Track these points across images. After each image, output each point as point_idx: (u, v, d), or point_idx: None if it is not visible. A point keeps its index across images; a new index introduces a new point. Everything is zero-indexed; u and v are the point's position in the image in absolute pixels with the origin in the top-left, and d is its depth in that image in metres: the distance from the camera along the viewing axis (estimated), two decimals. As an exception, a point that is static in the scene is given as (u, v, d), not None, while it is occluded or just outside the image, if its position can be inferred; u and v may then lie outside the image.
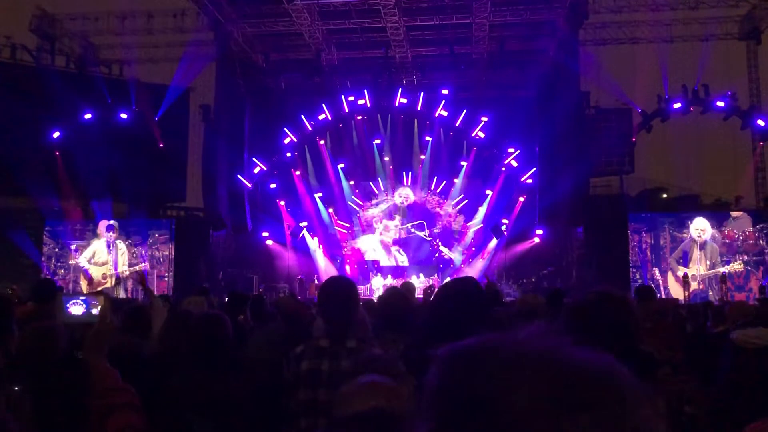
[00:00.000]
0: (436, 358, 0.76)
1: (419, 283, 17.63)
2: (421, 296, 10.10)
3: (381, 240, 21.55)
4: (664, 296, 16.51)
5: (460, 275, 12.38)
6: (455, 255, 21.11)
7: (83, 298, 2.20)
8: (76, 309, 2.16)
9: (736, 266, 17.66)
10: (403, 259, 21.31)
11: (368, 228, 21.73)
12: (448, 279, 18.67)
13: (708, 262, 17.82)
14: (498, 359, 0.71)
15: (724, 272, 17.43)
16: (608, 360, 0.71)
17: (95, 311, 2.14)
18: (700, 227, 18.00)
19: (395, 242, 21.47)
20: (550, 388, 0.66)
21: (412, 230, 21.40)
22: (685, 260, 17.94)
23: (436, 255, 21.14)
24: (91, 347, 2.03)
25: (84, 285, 19.03)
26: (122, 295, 18.08)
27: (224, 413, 2.53)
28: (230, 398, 2.55)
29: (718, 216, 18.45)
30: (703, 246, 17.92)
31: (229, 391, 2.62)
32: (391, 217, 21.63)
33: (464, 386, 0.70)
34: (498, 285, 13.99)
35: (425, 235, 21.32)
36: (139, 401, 1.99)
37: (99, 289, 17.73)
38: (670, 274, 17.87)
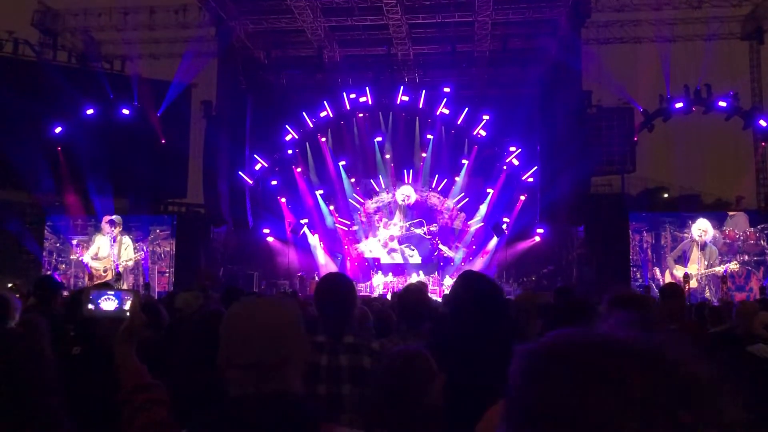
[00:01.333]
0: (526, 353, 0.75)
1: (418, 281, 17.63)
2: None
3: (382, 238, 21.55)
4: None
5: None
6: (453, 252, 21.11)
7: (114, 292, 2.20)
8: (108, 304, 2.17)
9: (732, 266, 17.67)
10: (413, 256, 21.23)
11: (369, 225, 21.74)
12: (453, 276, 18.69)
13: (706, 263, 17.83)
14: (608, 354, 0.71)
15: (725, 272, 17.44)
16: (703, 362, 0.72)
17: (127, 307, 2.15)
18: (702, 228, 18.00)
19: (401, 240, 21.45)
20: (664, 387, 0.68)
21: (411, 228, 21.40)
22: (684, 260, 17.94)
23: (435, 253, 21.15)
24: (121, 343, 2.05)
25: (86, 280, 19.06)
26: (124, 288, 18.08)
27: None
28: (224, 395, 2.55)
29: (717, 216, 18.45)
30: (703, 247, 17.92)
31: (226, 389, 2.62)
32: (391, 215, 21.63)
33: (571, 383, 0.70)
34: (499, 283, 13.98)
35: (423, 233, 21.32)
36: (169, 398, 2.02)
37: (98, 282, 17.77)
38: (667, 273, 17.88)
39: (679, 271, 17.64)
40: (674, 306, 4.89)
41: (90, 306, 2.16)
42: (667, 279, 17.77)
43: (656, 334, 0.75)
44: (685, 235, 18.15)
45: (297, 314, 1.70)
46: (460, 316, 2.99)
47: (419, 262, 21.02)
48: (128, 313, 2.08)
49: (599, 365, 0.70)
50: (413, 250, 21.37)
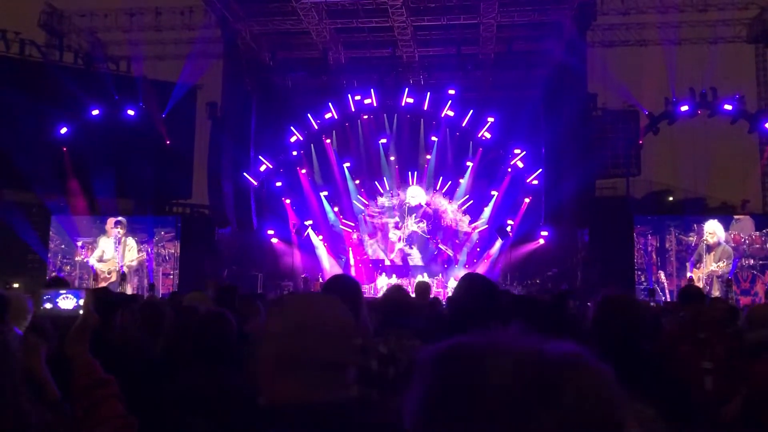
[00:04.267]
0: (425, 356, 0.81)
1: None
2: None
3: (388, 239, 21.55)
4: (668, 299, 16.47)
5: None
6: (451, 252, 21.07)
7: (71, 291, 2.21)
8: (67, 303, 2.18)
9: (722, 265, 17.65)
10: (415, 258, 21.22)
11: (373, 227, 21.73)
12: (458, 278, 18.67)
13: (722, 264, 17.75)
14: (478, 352, 0.76)
15: (730, 275, 17.37)
16: (584, 355, 0.76)
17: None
18: (709, 230, 17.95)
19: (406, 241, 21.44)
20: (525, 379, 0.72)
21: (414, 227, 21.37)
22: (697, 262, 17.92)
23: (435, 252, 21.13)
24: (75, 340, 2.05)
25: (91, 282, 19.08)
26: (128, 290, 18.13)
27: (227, 412, 2.53)
28: (233, 396, 2.55)
29: (723, 219, 18.39)
30: (711, 249, 17.87)
31: (231, 389, 2.62)
32: (402, 217, 21.62)
33: (444, 376, 0.76)
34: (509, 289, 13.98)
35: (423, 231, 21.29)
36: (120, 391, 2.02)
37: (103, 284, 17.79)
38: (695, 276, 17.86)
39: (695, 275, 17.62)
40: (699, 312, 4.26)
41: (47, 305, 2.17)
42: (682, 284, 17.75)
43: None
44: (691, 239, 18.10)
45: (350, 314, 1.59)
46: (458, 317, 2.99)
47: (420, 263, 20.99)
48: (82, 311, 2.09)
49: (459, 370, 0.75)
50: (412, 248, 21.36)
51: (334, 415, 1.37)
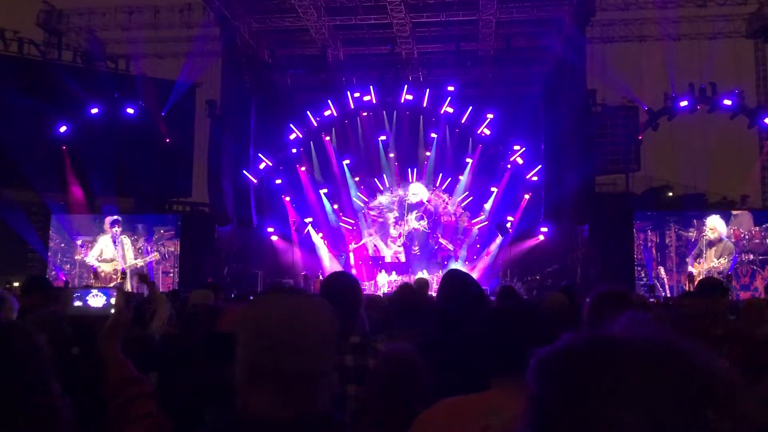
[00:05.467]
0: (542, 361, 0.74)
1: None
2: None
3: (388, 236, 21.55)
4: (668, 295, 16.49)
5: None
6: (452, 247, 21.07)
7: (101, 289, 2.22)
8: (96, 301, 2.18)
9: (722, 260, 17.65)
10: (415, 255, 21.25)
11: (373, 224, 21.74)
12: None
13: (723, 259, 17.76)
14: (619, 351, 0.71)
15: (730, 271, 17.38)
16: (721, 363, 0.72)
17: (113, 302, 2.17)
18: (711, 226, 17.95)
19: (409, 236, 21.44)
20: (689, 388, 0.67)
21: (415, 224, 21.37)
22: (698, 257, 17.93)
23: (436, 247, 21.14)
24: (106, 339, 2.06)
25: (92, 280, 19.09)
26: (128, 290, 18.14)
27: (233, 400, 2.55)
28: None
29: (721, 215, 18.40)
30: (713, 244, 17.87)
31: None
32: (402, 213, 21.62)
33: (584, 377, 0.69)
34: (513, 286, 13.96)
35: (424, 227, 21.30)
36: (154, 390, 2.03)
37: (110, 285, 17.81)
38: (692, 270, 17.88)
39: (695, 270, 17.61)
40: (718, 306, 3.94)
41: (77, 303, 2.18)
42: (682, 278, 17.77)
43: (664, 331, 0.74)
44: (690, 234, 18.11)
45: (336, 319, 1.46)
46: (442, 314, 2.99)
47: (420, 260, 20.98)
48: (114, 310, 2.10)
49: (622, 369, 0.69)
50: (412, 245, 21.36)
51: (321, 427, 1.31)
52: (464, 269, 19.01)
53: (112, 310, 2.12)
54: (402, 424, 2.13)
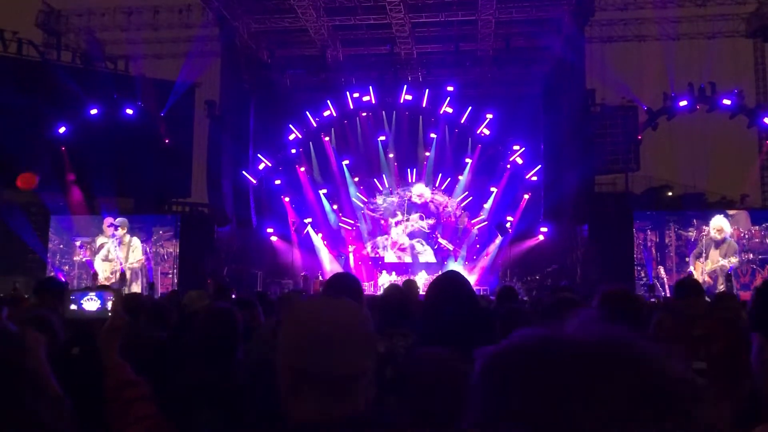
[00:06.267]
0: (485, 357, 0.71)
1: (423, 279, 17.68)
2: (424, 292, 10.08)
3: (389, 236, 21.56)
4: (668, 295, 16.48)
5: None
6: (452, 246, 21.07)
7: (96, 293, 2.21)
8: (91, 305, 2.18)
9: (733, 259, 17.64)
10: (424, 253, 21.20)
11: (373, 224, 21.73)
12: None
13: (726, 259, 17.74)
14: (569, 354, 0.67)
15: (729, 271, 17.38)
16: (680, 363, 0.68)
17: (109, 306, 2.16)
18: (717, 226, 17.93)
19: (411, 236, 21.43)
20: (637, 390, 0.63)
21: (417, 224, 21.38)
22: (700, 256, 17.91)
23: (435, 247, 21.14)
24: (104, 342, 2.05)
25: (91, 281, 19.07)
26: (127, 290, 18.12)
27: (232, 404, 2.54)
28: (239, 389, 2.57)
29: (723, 214, 18.40)
30: (717, 244, 17.87)
31: (237, 382, 2.64)
32: (395, 214, 21.62)
33: (531, 384, 0.66)
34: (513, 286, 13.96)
35: (424, 227, 21.30)
36: (152, 393, 2.03)
37: (102, 284, 17.78)
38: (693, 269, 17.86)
39: (696, 270, 17.60)
40: (696, 306, 3.87)
41: (73, 306, 2.18)
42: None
43: (626, 330, 0.70)
44: (690, 234, 18.11)
45: (369, 320, 1.48)
46: (429, 316, 2.98)
47: (433, 259, 20.93)
48: (110, 313, 2.10)
49: (568, 369, 0.65)
50: (424, 246, 21.34)
51: (357, 428, 1.32)
52: (464, 269, 19.08)
53: (110, 313, 2.11)
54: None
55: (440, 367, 2.23)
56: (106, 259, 19.49)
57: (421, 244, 21.35)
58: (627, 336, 0.68)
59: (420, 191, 21.45)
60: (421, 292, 9.46)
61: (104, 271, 19.35)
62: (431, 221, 21.34)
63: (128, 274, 19.12)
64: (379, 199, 21.80)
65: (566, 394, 0.63)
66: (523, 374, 0.67)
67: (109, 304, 2.14)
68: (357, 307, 1.49)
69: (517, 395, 0.66)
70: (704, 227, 18.06)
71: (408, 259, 21.19)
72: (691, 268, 17.74)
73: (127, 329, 2.18)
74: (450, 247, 21.08)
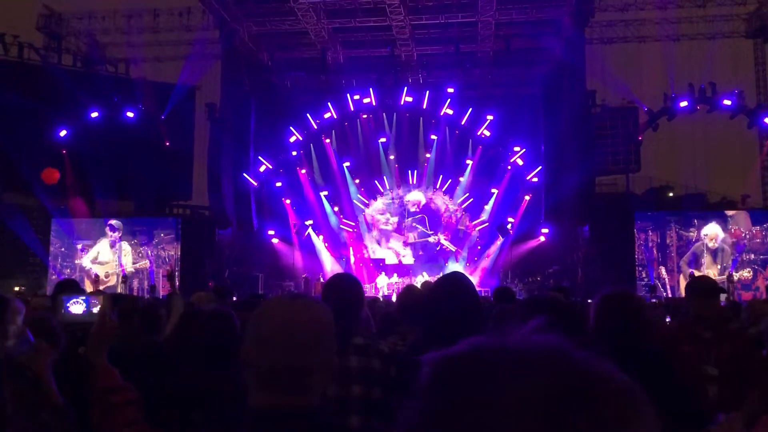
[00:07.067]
0: (426, 362, 0.72)
1: (422, 281, 17.65)
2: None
3: (389, 238, 21.56)
4: (669, 295, 16.47)
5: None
6: (454, 248, 21.08)
7: (83, 297, 2.22)
8: (77, 308, 2.19)
9: (745, 273, 17.58)
10: (406, 256, 21.25)
11: (373, 226, 21.73)
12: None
13: (719, 267, 17.70)
14: (493, 358, 0.67)
15: (731, 272, 17.35)
16: (609, 365, 0.67)
17: (95, 310, 2.17)
18: (711, 233, 17.88)
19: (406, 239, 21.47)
20: (550, 388, 0.62)
21: (415, 225, 21.38)
22: (696, 264, 17.81)
23: (438, 248, 21.14)
24: (92, 346, 2.06)
25: (88, 284, 19.07)
26: (128, 293, 18.11)
27: (227, 407, 2.55)
28: (234, 393, 2.57)
29: (718, 215, 18.38)
30: (714, 252, 17.82)
31: (234, 385, 2.64)
32: (394, 214, 21.63)
33: (454, 386, 0.67)
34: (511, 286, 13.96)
35: (425, 229, 21.31)
36: (139, 398, 2.04)
37: (102, 287, 17.80)
38: (681, 277, 17.74)
39: (690, 273, 17.51)
40: (709, 308, 3.63)
41: (61, 310, 2.19)
42: (682, 282, 17.67)
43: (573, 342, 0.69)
44: (691, 234, 18.08)
45: (332, 321, 1.58)
46: (433, 323, 2.98)
47: (412, 262, 20.99)
48: (98, 317, 2.10)
49: (493, 376, 0.65)
50: (413, 247, 21.38)
51: (300, 419, 1.43)
52: (465, 271, 19.06)
53: (95, 317, 2.12)
54: None
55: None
56: (95, 261, 19.48)
57: (417, 247, 21.37)
58: (559, 342, 0.68)
59: (414, 199, 21.45)
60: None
61: (99, 274, 19.34)
62: (425, 225, 21.34)
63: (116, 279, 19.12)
64: (376, 204, 21.80)
65: (486, 397, 0.64)
66: (449, 379, 0.68)
67: (95, 308, 2.14)
68: (317, 306, 1.59)
69: (441, 398, 0.67)
70: (699, 233, 18.00)
71: (407, 260, 21.21)
72: (690, 270, 17.68)
73: (117, 333, 2.18)
74: (453, 248, 21.09)
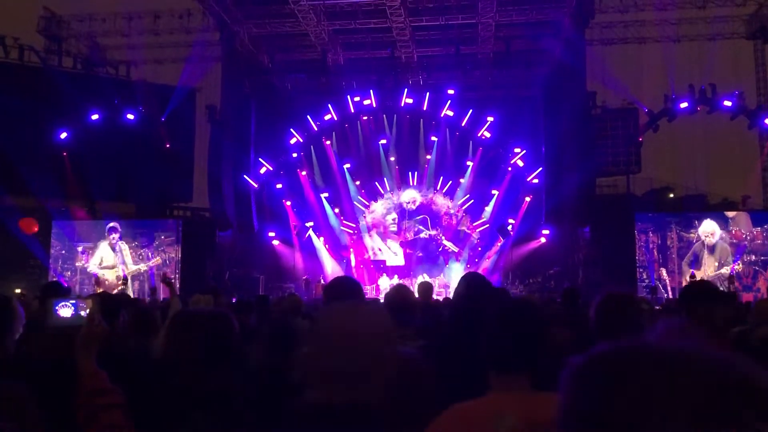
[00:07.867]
0: (578, 366, 0.73)
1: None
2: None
3: (389, 240, 21.55)
4: (670, 296, 16.45)
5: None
6: (456, 249, 21.07)
7: (72, 300, 2.23)
8: (65, 311, 2.19)
9: (737, 267, 17.56)
10: (398, 256, 21.25)
11: (374, 227, 21.73)
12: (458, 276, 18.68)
13: (716, 264, 17.70)
14: (649, 360, 0.70)
15: (731, 272, 17.33)
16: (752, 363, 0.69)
17: (84, 313, 2.17)
18: (708, 230, 17.88)
19: (402, 244, 21.46)
20: (712, 387, 0.65)
21: (417, 226, 21.38)
22: (696, 263, 17.80)
23: (440, 249, 21.13)
24: (80, 349, 2.06)
25: (98, 290, 19.05)
26: (130, 295, 18.08)
27: (225, 409, 2.55)
28: (233, 393, 2.57)
29: (718, 216, 18.37)
30: (712, 248, 17.82)
31: (232, 386, 2.64)
32: (400, 220, 21.62)
33: (618, 387, 0.68)
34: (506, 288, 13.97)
35: (428, 230, 21.31)
36: (126, 401, 2.04)
37: (114, 291, 17.78)
38: (682, 278, 17.70)
39: (697, 275, 17.48)
40: (720, 316, 3.32)
41: (52, 313, 2.19)
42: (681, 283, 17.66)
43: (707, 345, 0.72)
44: (692, 235, 18.06)
45: (393, 327, 1.69)
46: (459, 318, 2.98)
47: (402, 263, 20.99)
48: (86, 319, 2.10)
49: (665, 379, 0.67)
50: (414, 249, 21.36)
51: (355, 416, 1.52)
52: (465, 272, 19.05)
53: (83, 320, 2.12)
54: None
55: (403, 367, 2.27)
56: (101, 265, 19.47)
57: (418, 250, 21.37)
58: (703, 347, 0.71)
59: (409, 198, 21.44)
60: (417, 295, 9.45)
61: (102, 276, 19.33)
62: (425, 227, 21.34)
63: (129, 279, 19.11)
64: (379, 203, 21.80)
65: (647, 397, 0.66)
66: (606, 379, 0.70)
67: (83, 312, 2.14)
68: (379, 313, 1.71)
69: (603, 399, 0.68)
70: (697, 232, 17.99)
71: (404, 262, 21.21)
72: (691, 271, 17.67)
73: (106, 335, 2.18)
74: (455, 249, 21.08)
